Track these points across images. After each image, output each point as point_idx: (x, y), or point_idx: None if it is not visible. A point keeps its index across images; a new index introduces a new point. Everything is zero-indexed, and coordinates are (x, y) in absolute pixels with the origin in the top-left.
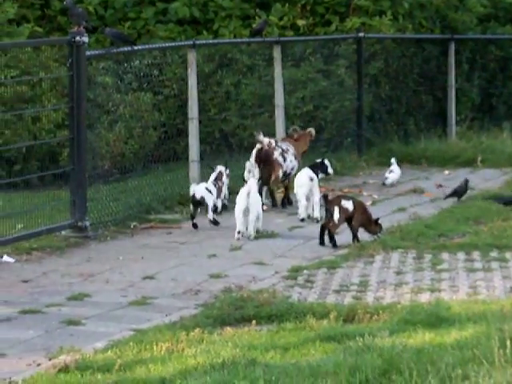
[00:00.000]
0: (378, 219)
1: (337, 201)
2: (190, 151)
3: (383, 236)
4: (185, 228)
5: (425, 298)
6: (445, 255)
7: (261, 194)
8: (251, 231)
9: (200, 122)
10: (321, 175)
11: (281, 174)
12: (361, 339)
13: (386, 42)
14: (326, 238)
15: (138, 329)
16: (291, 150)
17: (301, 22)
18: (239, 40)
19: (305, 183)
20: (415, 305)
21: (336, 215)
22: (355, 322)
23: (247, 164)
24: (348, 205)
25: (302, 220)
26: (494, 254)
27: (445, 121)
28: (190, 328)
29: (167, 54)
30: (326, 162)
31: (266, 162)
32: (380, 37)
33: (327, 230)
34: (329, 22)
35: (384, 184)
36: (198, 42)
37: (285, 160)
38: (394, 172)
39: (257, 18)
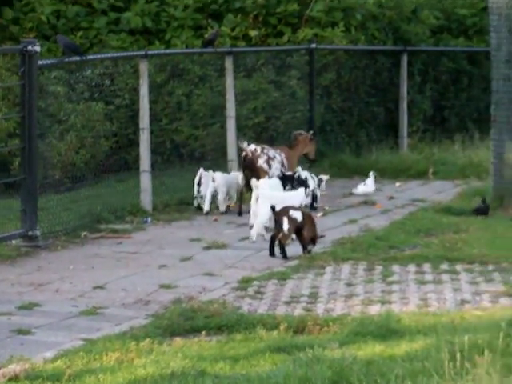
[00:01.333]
0: (321, 236)
1: (285, 211)
2: (141, 161)
3: (334, 247)
4: (135, 238)
5: (375, 309)
6: (395, 267)
7: (241, 199)
8: (253, 234)
9: (151, 132)
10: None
11: (254, 180)
12: (311, 351)
13: (338, 53)
14: (277, 249)
15: (87, 338)
16: (279, 157)
17: (253, 33)
18: (191, 50)
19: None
20: (365, 317)
21: (285, 226)
22: (305, 333)
23: (211, 173)
24: (297, 215)
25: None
26: (444, 266)
27: (396, 132)
28: (140, 338)
29: (119, 64)
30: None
31: (250, 168)
32: (332, 48)
33: (277, 240)
34: (281, 33)
35: (351, 193)
36: (149, 52)
37: (270, 167)
38: (367, 185)
39: (209, 28)
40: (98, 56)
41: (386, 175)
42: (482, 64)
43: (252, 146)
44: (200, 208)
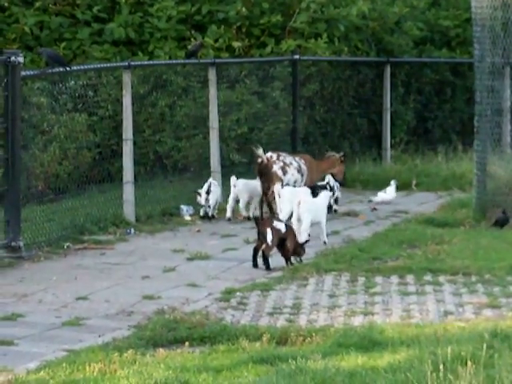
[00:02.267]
0: (305, 242)
1: (269, 222)
2: (124, 172)
3: (317, 259)
4: (118, 249)
5: (358, 321)
6: (378, 278)
7: (261, 206)
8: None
9: (134, 143)
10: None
11: (279, 186)
12: (293, 362)
13: (321, 64)
14: (260, 260)
15: (70, 349)
16: (295, 164)
17: (236, 44)
18: (174, 61)
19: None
20: (348, 328)
21: (269, 237)
22: (288, 344)
23: (232, 179)
24: (280, 226)
25: None
26: (427, 277)
27: (380, 144)
28: (123, 349)
29: (102, 75)
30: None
31: (265, 174)
32: (315, 59)
33: (261, 252)
34: (264, 44)
35: (370, 200)
36: (133, 63)
37: (285, 173)
38: (386, 193)
39: (192, 39)
40: (82, 67)
41: (369, 186)
42: (466, 75)
43: (268, 153)
44: (206, 216)
